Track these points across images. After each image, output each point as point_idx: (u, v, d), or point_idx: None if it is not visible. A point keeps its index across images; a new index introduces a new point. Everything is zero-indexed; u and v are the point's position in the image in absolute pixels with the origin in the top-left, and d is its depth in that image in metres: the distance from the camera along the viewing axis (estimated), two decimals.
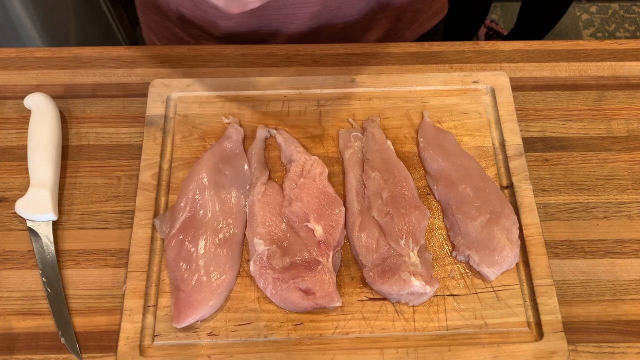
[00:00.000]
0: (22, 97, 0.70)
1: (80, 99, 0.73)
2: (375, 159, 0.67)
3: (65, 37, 1.40)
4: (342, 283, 0.61)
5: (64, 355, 0.58)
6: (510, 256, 0.61)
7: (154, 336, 0.58)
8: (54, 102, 0.70)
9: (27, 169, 0.66)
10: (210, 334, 0.58)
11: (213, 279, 0.60)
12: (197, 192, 0.64)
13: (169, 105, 0.71)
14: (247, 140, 0.70)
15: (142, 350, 0.57)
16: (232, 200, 0.65)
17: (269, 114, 0.71)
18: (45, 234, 0.63)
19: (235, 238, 0.63)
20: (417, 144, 0.70)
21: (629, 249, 0.64)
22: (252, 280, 0.61)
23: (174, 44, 0.85)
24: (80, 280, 0.62)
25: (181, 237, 0.62)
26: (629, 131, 0.72)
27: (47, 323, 0.59)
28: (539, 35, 1.87)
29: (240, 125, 0.70)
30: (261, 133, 0.69)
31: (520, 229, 0.63)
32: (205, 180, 0.64)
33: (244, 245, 0.63)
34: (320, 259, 0.60)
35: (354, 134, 0.69)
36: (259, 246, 0.61)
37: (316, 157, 0.66)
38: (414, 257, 0.60)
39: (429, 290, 0.59)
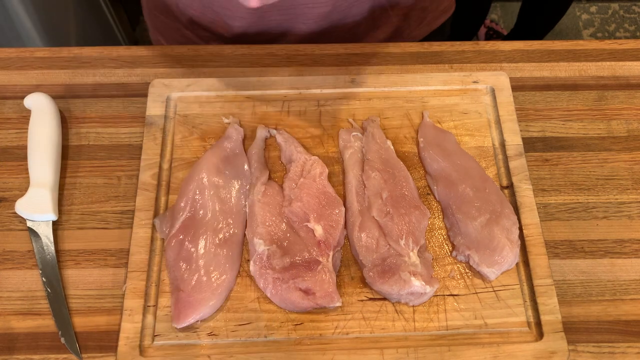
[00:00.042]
0: (22, 97, 0.70)
1: (80, 99, 0.73)
2: (375, 159, 0.67)
3: (65, 37, 1.40)
4: (342, 283, 0.61)
5: (64, 355, 0.58)
6: (510, 256, 0.61)
7: (154, 336, 0.58)
8: (54, 102, 0.70)
9: (27, 169, 0.66)
10: (210, 334, 0.58)
11: (213, 279, 0.60)
12: (197, 192, 0.64)
13: (169, 105, 0.71)
14: (247, 140, 0.70)
15: (142, 350, 0.57)
16: (232, 200, 0.65)
17: (269, 114, 0.71)
18: (45, 234, 0.63)
19: (235, 238, 0.63)
20: (417, 144, 0.70)
21: (629, 249, 0.64)
22: (252, 280, 0.61)
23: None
24: (80, 280, 0.62)
25: (181, 237, 0.62)
26: (629, 131, 0.72)
27: (47, 323, 0.59)
28: (539, 35, 1.87)
29: (240, 125, 0.70)
30: (261, 133, 0.69)
31: (520, 229, 0.63)
32: (205, 180, 0.64)
33: (244, 245, 0.63)
34: (320, 259, 0.60)
35: (354, 134, 0.69)
36: (259, 246, 0.61)
37: (316, 157, 0.66)
38: (414, 257, 0.60)
39: (429, 290, 0.59)
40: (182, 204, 0.63)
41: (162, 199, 0.66)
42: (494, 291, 0.61)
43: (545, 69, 0.76)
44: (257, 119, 0.71)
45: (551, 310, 0.59)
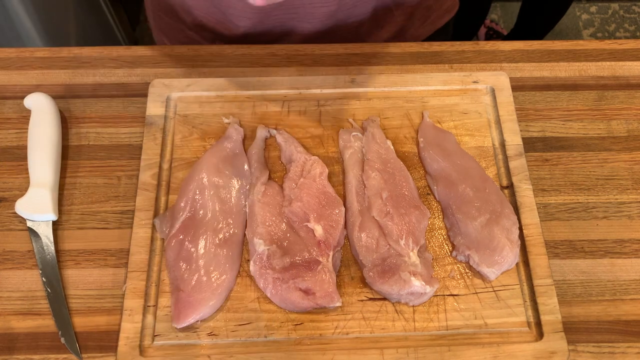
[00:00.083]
0: (22, 97, 0.70)
1: (80, 99, 0.73)
2: (375, 159, 0.67)
3: (65, 37, 1.40)
4: (342, 283, 0.61)
5: (64, 355, 0.58)
6: (510, 256, 0.61)
7: (154, 336, 0.58)
8: (54, 102, 0.70)
9: (27, 169, 0.66)
10: (210, 334, 0.58)
11: (213, 279, 0.60)
12: (197, 192, 0.64)
13: (169, 105, 0.71)
14: (247, 140, 0.70)
15: (142, 350, 0.57)
16: (232, 200, 0.65)
17: (269, 114, 0.71)
18: (45, 234, 0.63)
19: (235, 238, 0.63)
20: (417, 144, 0.70)
21: (629, 249, 0.64)
22: (252, 280, 0.61)
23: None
24: (80, 280, 0.62)
25: (181, 237, 0.62)
26: (629, 131, 0.72)
27: (47, 323, 0.59)
28: (539, 35, 1.87)
29: (240, 125, 0.70)
30: (261, 133, 0.69)
31: (520, 229, 0.63)
32: (205, 180, 0.64)
33: (244, 245, 0.63)
34: (320, 259, 0.60)
35: (354, 134, 0.69)
36: (259, 246, 0.61)
37: (316, 157, 0.66)
38: (414, 257, 0.60)
39: (429, 290, 0.59)
40: (182, 204, 0.63)
41: (162, 199, 0.66)
42: (494, 291, 0.61)
43: (545, 69, 0.76)
44: (257, 119, 0.71)
45: (551, 310, 0.59)
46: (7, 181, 0.67)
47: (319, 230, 0.61)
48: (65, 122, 0.71)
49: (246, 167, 0.67)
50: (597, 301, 0.62)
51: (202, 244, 0.61)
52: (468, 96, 0.73)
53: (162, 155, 0.68)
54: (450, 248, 0.64)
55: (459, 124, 0.71)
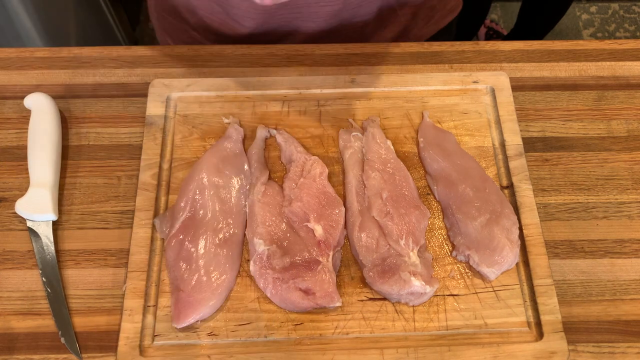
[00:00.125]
0: (22, 97, 0.70)
1: (80, 99, 0.73)
2: (375, 159, 0.67)
3: (65, 37, 1.40)
4: (342, 283, 0.61)
5: (64, 355, 0.58)
6: (510, 256, 0.61)
7: (154, 336, 0.58)
8: (54, 102, 0.70)
9: (27, 169, 0.66)
10: (210, 334, 0.58)
11: (213, 279, 0.60)
12: (197, 192, 0.64)
13: (169, 105, 0.71)
14: (247, 140, 0.70)
15: (142, 350, 0.57)
16: (232, 200, 0.65)
17: (269, 114, 0.71)
18: (45, 234, 0.63)
19: (235, 238, 0.63)
20: (417, 144, 0.70)
21: (629, 249, 0.64)
22: (252, 280, 0.61)
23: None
24: (80, 280, 0.62)
25: (181, 237, 0.62)
26: (629, 131, 0.72)
27: (47, 323, 0.59)
28: (539, 35, 1.87)
29: (240, 125, 0.70)
30: (261, 133, 0.69)
31: (520, 229, 0.63)
32: (205, 180, 0.64)
33: (244, 245, 0.63)
34: (320, 259, 0.60)
35: (354, 134, 0.69)
36: (259, 246, 0.61)
37: (316, 157, 0.66)
38: (414, 257, 0.60)
39: (429, 290, 0.59)
40: (182, 204, 0.63)
41: (162, 199, 0.66)
42: (494, 291, 0.61)
43: (545, 69, 0.76)
44: (257, 119, 0.71)
45: (551, 310, 0.59)
46: (7, 181, 0.67)
47: (319, 230, 0.61)
48: (65, 122, 0.71)
49: (246, 167, 0.67)
50: (597, 301, 0.62)
51: (202, 244, 0.61)
52: (468, 96, 0.73)
53: (162, 155, 0.68)
54: (450, 248, 0.64)
55: (459, 124, 0.71)
